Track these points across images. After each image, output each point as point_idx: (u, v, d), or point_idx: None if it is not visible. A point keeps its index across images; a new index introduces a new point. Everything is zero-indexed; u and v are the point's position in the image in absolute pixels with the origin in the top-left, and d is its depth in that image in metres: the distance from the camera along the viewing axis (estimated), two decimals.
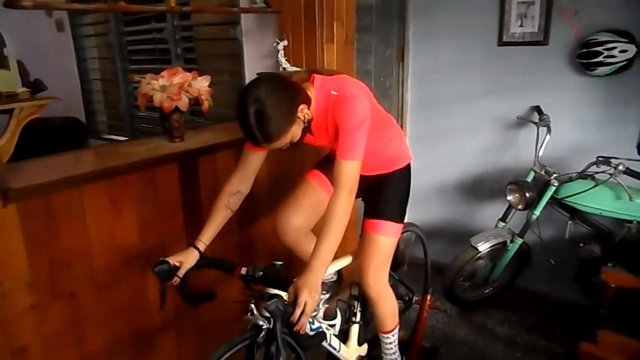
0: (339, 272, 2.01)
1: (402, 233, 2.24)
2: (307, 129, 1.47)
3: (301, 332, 1.29)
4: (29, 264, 1.47)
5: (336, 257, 1.83)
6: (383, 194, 1.79)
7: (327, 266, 1.38)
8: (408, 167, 1.87)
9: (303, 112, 1.41)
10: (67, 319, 1.59)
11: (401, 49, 2.95)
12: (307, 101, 1.46)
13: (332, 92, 1.49)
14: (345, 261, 1.85)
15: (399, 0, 2.86)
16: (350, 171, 1.44)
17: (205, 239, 1.51)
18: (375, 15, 2.79)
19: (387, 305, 1.86)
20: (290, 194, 1.87)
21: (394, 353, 1.95)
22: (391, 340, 1.92)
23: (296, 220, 1.81)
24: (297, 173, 2.34)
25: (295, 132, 1.41)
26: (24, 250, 1.46)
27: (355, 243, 1.90)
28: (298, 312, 1.25)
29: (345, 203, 1.42)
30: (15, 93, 1.51)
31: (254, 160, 1.58)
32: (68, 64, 4.37)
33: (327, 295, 1.79)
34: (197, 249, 1.48)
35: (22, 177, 1.55)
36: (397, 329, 1.92)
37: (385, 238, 1.76)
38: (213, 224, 1.53)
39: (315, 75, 1.54)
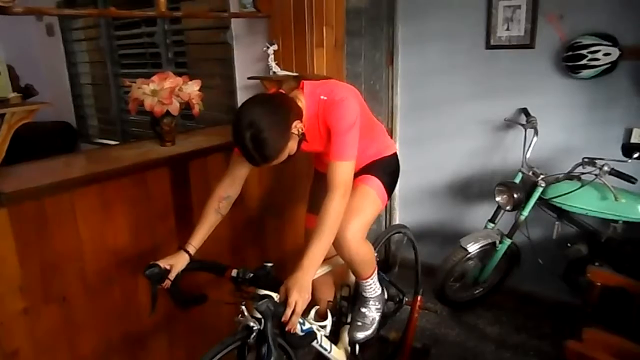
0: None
1: (393, 234, 2.27)
2: (302, 141, 1.50)
3: (292, 332, 1.31)
4: (20, 267, 1.48)
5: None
6: (373, 164, 1.80)
7: (317, 266, 1.40)
8: (395, 155, 1.89)
9: (297, 127, 1.44)
10: (58, 323, 1.60)
11: (390, 53, 2.98)
12: (299, 115, 1.48)
13: (322, 97, 1.51)
14: (337, 263, 1.87)
15: (388, 4, 2.89)
16: (343, 172, 1.46)
17: (195, 243, 1.52)
18: (365, 19, 2.82)
19: (365, 255, 1.74)
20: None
21: (375, 288, 1.87)
22: (371, 282, 1.83)
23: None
24: (287, 176, 2.37)
25: (291, 147, 1.45)
26: (15, 254, 1.46)
27: None
28: (289, 311, 1.27)
29: (339, 204, 1.44)
30: (7, 98, 1.51)
31: (244, 165, 1.59)
32: (58, 68, 4.37)
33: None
34: (187, 252, 1.50)
35: (13, 181, 1.56)
36: (375, 271, 1.83)
37: (374, 192, 1.72)
38: (203, 228, 1.55)
39: (304, 81, 1.57)
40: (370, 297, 1.88)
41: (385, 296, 1.99)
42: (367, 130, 1.73)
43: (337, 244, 1.62)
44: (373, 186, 1.73)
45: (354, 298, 1.93)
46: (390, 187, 1.82)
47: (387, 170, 1.82)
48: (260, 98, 1.47)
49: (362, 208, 1.67)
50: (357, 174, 1.77)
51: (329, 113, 1.49)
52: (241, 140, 1.35)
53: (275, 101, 1.44)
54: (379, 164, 1.81)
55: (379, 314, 1.90)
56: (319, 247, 1.40)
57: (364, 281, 1.83)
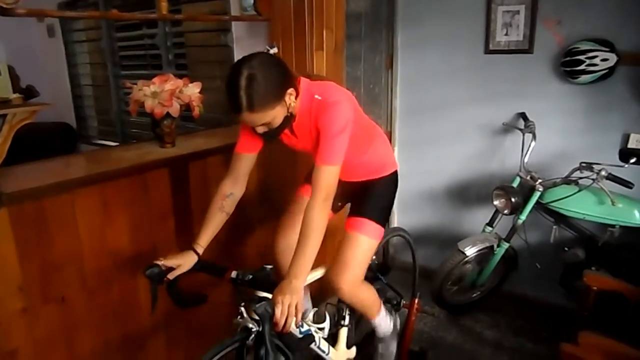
0: None
1: (391, 237, 2.28)
2: (288, 120, 1.48)
3: (283, 332, 1.31)
4: (20, 267, 1.48)
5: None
6: (368, 195, 1.81)
7: (307, 271, 1.39)
8: (394, 174, 1.90)
9: (290, 97, 1.43)
10: (57, 323, 1.60)
11: (390, 57, 2.99)
12: (297, 89, 1.47)
13: (316, 96, 1.50)
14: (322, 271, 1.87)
15: (387, 8, 2.90)
16: (328, 176, 1.45)
17: (202, 242, 1.53)
18: (365, 23, 2.83)
19: (366, 298, 1.81)
20: (285, 213, 1.89)
21: (386, 326, 1.98)
22: (380, 322, 1.92)
23: (294, 238, 1.82)
24: (287, 178, 2.38)
25: (278, 114, 1.41)
26: (15, 254, 1.47)
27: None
28: (278, 311, 1.28)
29: (322, 207, 1.44)
30: (8, 99, 1.52)
31: (245, 163, 1.60)
32: (59, 70, 4.38)
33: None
34: (196, 252, 1.50)
35: (13, 181, 1.56)
36: (382, 308, 1.92)
37: (366, 238, 1.73)
38: (210, 227, 1.55)
39: (301, 77, 1.55)
40: (385, 337, 1.97)
41: (398, 325, 2.09)
42: (367, 140, 1.73)
43: (336, 292, 1.72)
44: (365, 231, 1.74)
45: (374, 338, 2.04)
46: (386, 218, 1.84)
47: (381, 203, 1.82)
48: (268, 54, 1.48)
49: (354, 258, 1.70)
50: (352, 209, 1.82)
51: (321, 114, 1.47)
52: (235, 78, 1.32)
53: (280, 61, 1.45)
54: (376, 193, 1.81)
55: (395, 346, 2.02)
56: (306, 254, 1.39)
57: (373, 321, 1.89)
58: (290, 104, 1.44)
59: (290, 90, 1.43)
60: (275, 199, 2.37)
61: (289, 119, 1.48)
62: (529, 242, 2.56)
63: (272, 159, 2.18)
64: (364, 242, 1.73)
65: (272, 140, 1.52)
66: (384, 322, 1.94)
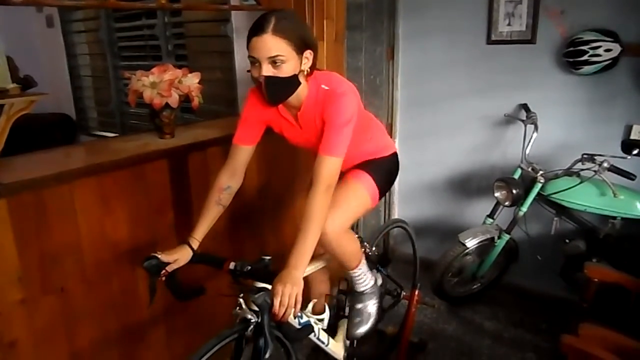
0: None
1: (392, 228, 2.27)
2: (295, 82, 1.44)
3: (282, 322, 1.31)
4: (19, 258, 1.48)
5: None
6: (370, 161, 1.79)
7: (306, 262, 1.39)
8: (394, 155, 1.88)
9: (306, 62, 1.45)
10: (57, 314, 1.60)
11: (391, 47, 2.97)
12: (315, 57, 1.48)
13: (323, 86, 1.50)
14: (324, 261, 1.86)
15: None
16: (330, 167, 1.45)
17: (198, 236, 1.53)
18: (366, 13, 2.81)
19: (348, 247, 1.71)
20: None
21: (366, 280, 1.86)
22: (359, 272, 1.82)
23: None
24: (287, 169, 2.37)
25: (291, 59, 1.39)
26: (14, 245, 1.46)
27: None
28: (277, 302, 1.27)
29: (323, 198, 1.43)
30: (6, 89, 1.51)
31: (242, 155, 1.60)
32: (58, 60, 4.36)
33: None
34: (190, 246, 1.50)
35: (12, 172, 1.55)
36: (363, 261, 1.82)
37: (363, 189, 1.71)
38: (205, 220, 1.55)
39: None
40: (364, 292, 1.86)
41: (379, 283, 1.97)
42: (364, 129, 1.72)
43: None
44: (363, 182, 1.72)
45: (350, 295, 1.92)
46: (384, 187, 1.80)
47: (382, 170, 1.80)
48: None
49: (347, 203, 1.65)
50: (351, 169, 1.77)
51: (328, 104, 1.47)
52: (270, 12, 1.37)
53: (309, 27, 1.54)
54: (374, 162, 1.80)
55: (376, 306, 1.89)
56: (306, 244, 1.39)
57: (353, 272, 1.81)
58: (304, 69, 1.44)
59: (309, 53, 1.44)
60: (276, 190, 2.36)
61: (296, 80, 1.44)
62: (529, 234, 2.55)
63: (272, 150, 2.17)
64: (360, 191, 1.70)
65: (272, 101, 1.47)
66: (364, 275, 1.84)
